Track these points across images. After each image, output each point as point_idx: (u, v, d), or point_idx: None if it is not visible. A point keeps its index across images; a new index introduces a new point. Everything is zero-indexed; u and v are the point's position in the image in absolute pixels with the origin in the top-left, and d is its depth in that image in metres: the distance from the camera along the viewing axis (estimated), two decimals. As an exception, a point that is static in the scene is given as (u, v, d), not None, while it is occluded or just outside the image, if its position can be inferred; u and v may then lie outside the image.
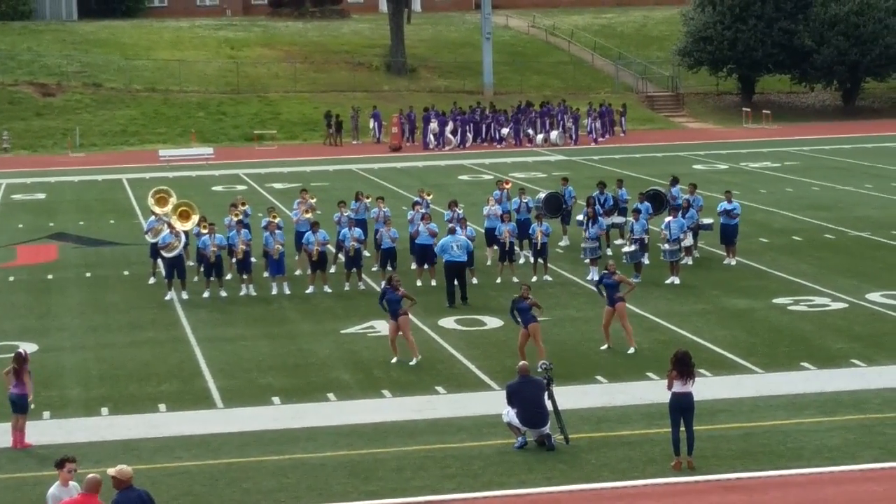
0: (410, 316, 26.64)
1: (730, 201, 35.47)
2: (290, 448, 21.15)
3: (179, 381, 25.23)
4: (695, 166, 56.25)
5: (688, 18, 78.26)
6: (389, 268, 32.85)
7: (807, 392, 23.54)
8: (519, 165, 58.14)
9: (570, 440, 20.87)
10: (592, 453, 20.52)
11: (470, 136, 66.98)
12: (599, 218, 34.44)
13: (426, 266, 33.12)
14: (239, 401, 23.90)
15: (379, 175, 55.28)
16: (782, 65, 76.67)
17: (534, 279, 32.61)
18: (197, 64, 79.55)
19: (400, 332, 26.08)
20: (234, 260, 33.11)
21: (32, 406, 22.05)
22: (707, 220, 36.06)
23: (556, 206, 37.20)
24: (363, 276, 33.17)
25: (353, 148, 66.93)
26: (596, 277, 31.30)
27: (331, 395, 24.07)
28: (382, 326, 27.81)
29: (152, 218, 34.82)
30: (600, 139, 67.78)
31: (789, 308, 30.07)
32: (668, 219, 33.60)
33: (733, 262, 34.89)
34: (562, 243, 37.47)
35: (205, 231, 32.72)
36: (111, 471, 15.47)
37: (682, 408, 19.67)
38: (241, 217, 34.16)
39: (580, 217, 35.01)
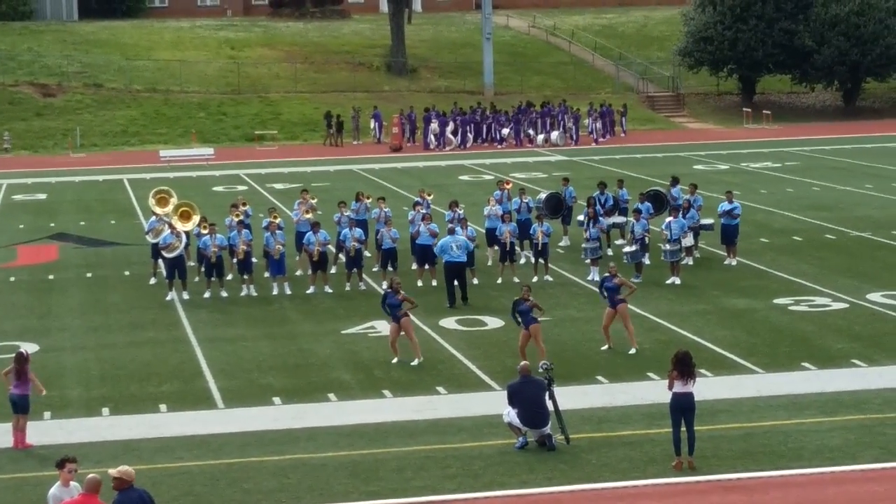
0: (411, 317, 26.65)
1: (730, 201, 35.48)
2: (291, 448, 21.15)
3: (180, 382, 25.24)
4: (695, 167, 56.26)
5: (688, 19, 78.26)
6: (390, 268, 32.86)
7: (807, 392, 23.54)
8: (519, 166, 58.15)
9: (571, 440, 20.88)
10: (593, 453, 20.53)
11: (470, 136, 66.97)
12: (600, 218, 34.47)
13: (427, 266, 33.12)
14: (240, 401, 23.91)
15: (380, 175, 55.29)
16: (783, 65, 76.67)
17: (534, 279, 32.62)
18: (197, 64, 79.57)
19: (402, 333, 26.08)
20: (234, 260, 33.13)
21: (44, 392, 22.09)
22: (708, 221, 36.08)
23: (556, 207, 37.21)
24: (364, 276, 33.17)
25: (354, 148, 66.93)
26: (596, 278, 31.36)
27: (331, 396, 24.08)
28: (383, 327, 27.82)
29: (153, 218, 34.82)
30: (601, 139, 67.79)
31: (790, 308, 30.08)
32: (668, 219, 33.60)
33: (734, 263, 34.90)
34: (562, 243, 37.47)
35: (205, 231, 32.72)
36: (114, 471, 15.47)
37: (682, 408, 19.68)
38: (241, 217, 34.17)
39: (581, 217, 35.03)
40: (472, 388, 24.39)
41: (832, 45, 73.23)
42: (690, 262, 34.61)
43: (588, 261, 33.57)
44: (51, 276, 35.76)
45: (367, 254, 34.33)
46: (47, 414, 23.10)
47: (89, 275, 35.87)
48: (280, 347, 27.62)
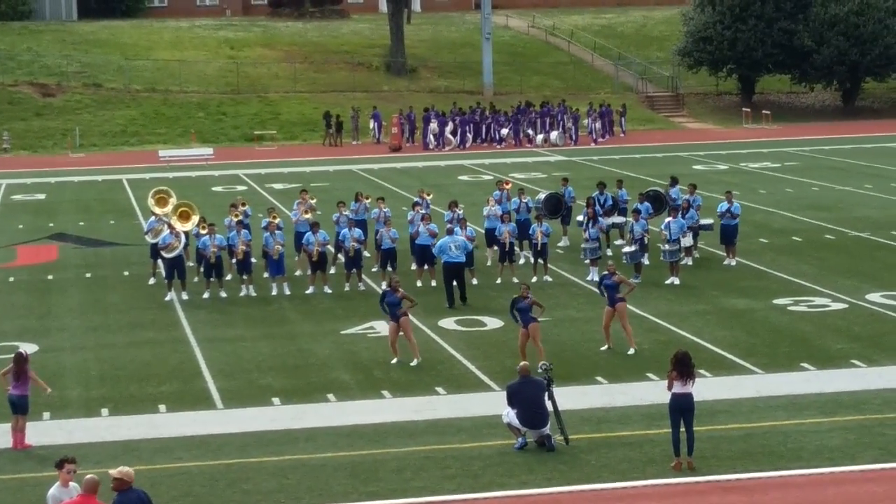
0: (410, 317, 26.65)
1: (730, 201, 35.48)
2: (291, 449, 21.15)
3: (179, 382, 25.24)
4: (695, 167, 56.26)
5: (688, 18, 78.27)
6: (389, 268, 32.86)
7: (807, 393, 23.54)
8: (519, 166, 58.15)
9: (570, 441, 20.88)
10: (592, 454, 20.53)
11: (470, 136, 66.97)
12: (600, 218, 34.46)
13: (426, 266, 33.11)
14: (239, 401, 23.91)
15: (379, 175, 55.29)
16: (782, 65, 76.68)
17: (534, 280, 32.61)
18: (197, 64, 79.56)
19: (401, 333, 26.08)
20: (234, 260, 33.12)
21: (49, 391, 22.11)
22: (707, 221, 36.07)
23: (555, 207, 37.20)
24: (363, 276, 33.17)
25: (353, 148, 66.93)
26: (596, 278, 31.34)
27: (331, 396, 24.07)
28: (382, 327, 27.82)
29: (152, 218, 34.82)
30: (600, 139, 67.78)
31: (789, 308, 30.07)
32: (667, 219, 33.60)
33: (733, 263, 34.90)
34: (561, 244, 37.47)
35: (204, 232, 32.71)
36: (114, 472, 15.47)
37: (682, 408, 19.68)
38: (241, 217, 34.17)
39: (580, 218, 35.02)
40: (471, 389, 24.38)
41: (831, 44, 73.24)
42: (690, 263, 34.61)
43: (587, 261, 33.56)
44: (50, 277, 35.75)
45: (366, 254, 34.33)
46: (47, 414, 23.09)
47: (88, 275, 35.86)
48: (279, 348, 27.62)
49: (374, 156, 63.39)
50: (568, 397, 22.44)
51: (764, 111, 74.45)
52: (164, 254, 32.46)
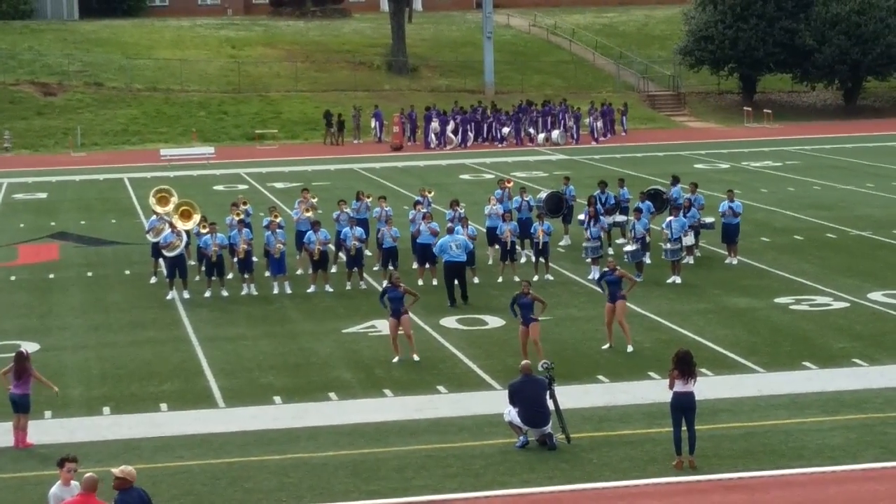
0: (411, 315, 26.64)
1: (732, 200, 35.46)
2: (292, 447, 21.15)
3: (181, 381, 25.24)
4: (696, 165, 56.25)
5: (689, 17, 78.24)
6: (391, 267, 32.85)
7: (808, 391, 23.53)
8: (520, 165, 58.14)
9: (572, 439, 20.87)
10: (594, 453, 20.52)
11: (471, 135, 66.97)
12: (601, 217, 34.45)
13: (427, 265, 33.11)
14: (240, 400, 23.90)
15: (380, 174, 55.29)
16: (783, 64, 76.63)
17: (535, 278, 32.58)
18: (198, 63, 79.56)
19: (401, 330, 26.05)
20: (235, 259, 33.13)
21: (56, 391, 22.04)
22: (709, 219, 36.06)
23: (557, 206, 37.20)
24: (364, 275, 33.17)
25: (355, 147, 66.92)
26: (597, 276, 31.32)
27: (332, 395, 24.07)
28: (384, 326, 27.79)
29: (154, 217, 34.80)
30: (601, 138, 67.77)
31: (791, 307, 30.06)
32: (669, 218, 33.59)
33: (735, 262, 34.89)
34: (563, 242, 37.47)
35: (205, 231, 32.71)
36: (116, 471, 15.47)
37: (683, 407, 19.67)
38: (242, 216, 34.17)
39: (581, 216, 35.01)
40: (472, 388, 24.38)
41: (833, 44, 73.21)
42: (691, 261, 34.60)
43: (589, 260, 33.55)
44: (51, 276, 35.76)
45: (367, 253, 34.33)
46: (48, 413, 23.09)
47: (90, 274, 35.87)
48: (281, 346, 27.62)
49: (376, 155, 63.39)
50: (569, 396, 22.44)
51: (765, 110, 74.43)
52: (165, 253, 32.47)
